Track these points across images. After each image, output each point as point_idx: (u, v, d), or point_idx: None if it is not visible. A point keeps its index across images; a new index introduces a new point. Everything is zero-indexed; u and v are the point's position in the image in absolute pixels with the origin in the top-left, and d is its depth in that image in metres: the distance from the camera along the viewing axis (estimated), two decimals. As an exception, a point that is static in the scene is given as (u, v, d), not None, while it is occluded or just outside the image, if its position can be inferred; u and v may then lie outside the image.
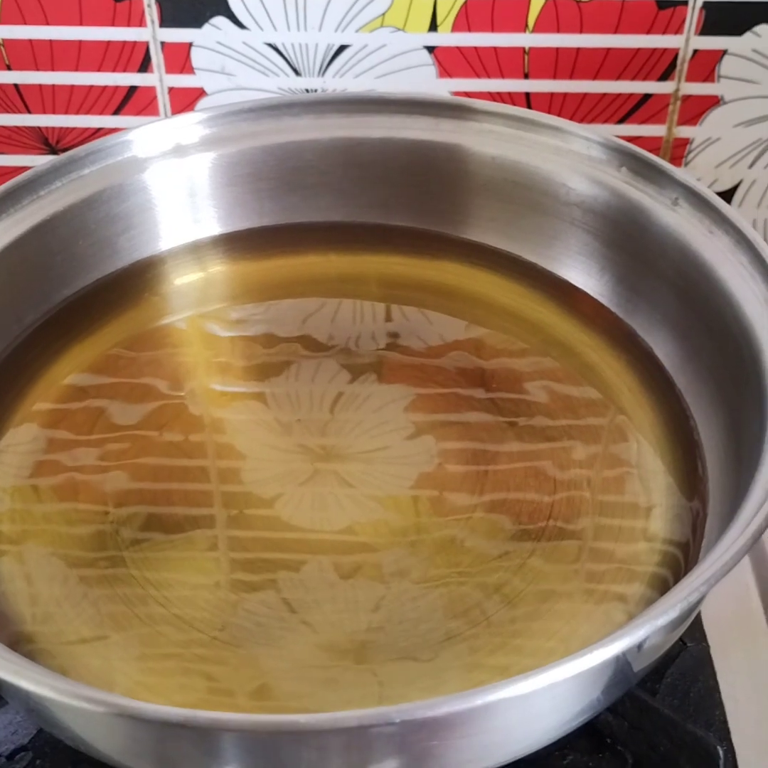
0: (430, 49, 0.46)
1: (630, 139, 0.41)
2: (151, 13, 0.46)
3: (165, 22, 0.46)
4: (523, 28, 0.45)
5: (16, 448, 0.35)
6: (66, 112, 0.49)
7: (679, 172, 0.36)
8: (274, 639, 0.29)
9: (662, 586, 0.30)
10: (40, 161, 0.49)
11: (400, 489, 0.33)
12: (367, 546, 0.31)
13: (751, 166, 0.48)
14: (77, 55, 0.47)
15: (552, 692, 0.24)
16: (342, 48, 0.46)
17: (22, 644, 0.29)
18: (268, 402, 0.36)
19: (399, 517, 0.32)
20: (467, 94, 0.47)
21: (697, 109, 0.47)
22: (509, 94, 0.47)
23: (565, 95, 0.47)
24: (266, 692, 0.28)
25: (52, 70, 0.47)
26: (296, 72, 0.47)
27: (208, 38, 0.46)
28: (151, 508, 0.32)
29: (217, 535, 0.32)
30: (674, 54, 0.46)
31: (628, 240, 0.38)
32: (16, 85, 0.48)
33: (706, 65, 0.46)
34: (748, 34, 0.45)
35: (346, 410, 0.36)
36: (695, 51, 0.46)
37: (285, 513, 0.32)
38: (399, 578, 0.30)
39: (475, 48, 0.46)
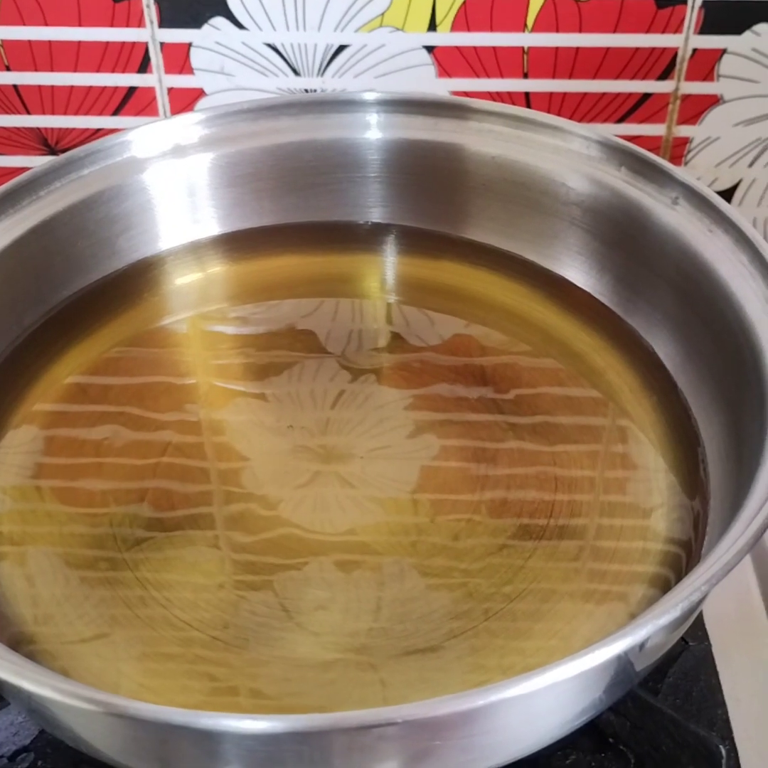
0: (430, 49, 0.46)
1: (629, 138, 0.41)
2: (150, 13, 0.46)
3: (164, 22, 0.46)
4: (522, 27, 0.45)
5: (17, 449, 0.35)
6: (65, 113, 0.49)
7: (678, 171, 0.36)
8: (276, 639, 0.29)
9: (664, 586, 0.30)
10: (39, 162, 0.50)
11: (401, 489, 0.33)
12: (368, 547, 0.31)
13: (750, 165, 0.48)
14: (76, 56, 0.47)
15: (554, 692, 0.24)
16: (341, 48, 0.46)
17: (23, 645, 0.29)
18: (268, 402, 0.36)
19: (400, 518, 0.32)
20: (466, 94, 0.47)
21: (696, 108, 0.47)
22: (508, 93, 0.47)
23: (564, 95, 0.47)
24: (268, 693, 0.28)
25: (51, 70, 0.47)
26: (295, 72, 0.47)
27: (208, 38, 0.46)
28: (152, 509, 0.32)
29: (218, 536, 0.32)
30: (673, 53, 0.46)
31: (627, 239, 0.38)
32: (15, 86, 0.48)
33: (705, 64, 0.46)
34: (747, 33, 0.45)
35: (347, 409, 0.36)
36: (694, 50, 0.46)
37: (286, 514, 0.32)
38: (400, 579, 0.30)
39: (475, 48, 0.46)
